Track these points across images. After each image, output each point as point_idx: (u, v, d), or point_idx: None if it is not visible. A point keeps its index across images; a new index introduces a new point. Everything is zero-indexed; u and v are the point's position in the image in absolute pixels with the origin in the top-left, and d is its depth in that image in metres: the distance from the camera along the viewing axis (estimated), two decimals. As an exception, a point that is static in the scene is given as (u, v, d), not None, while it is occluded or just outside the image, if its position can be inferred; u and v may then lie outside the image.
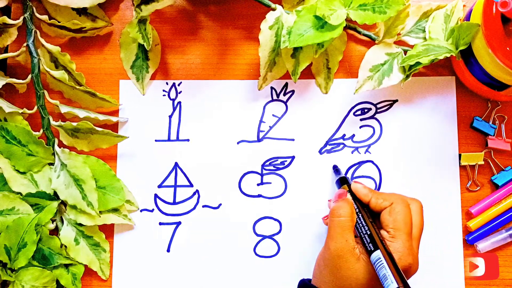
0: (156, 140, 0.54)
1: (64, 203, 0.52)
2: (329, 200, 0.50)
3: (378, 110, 0.53)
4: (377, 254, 0.41)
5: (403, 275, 0.39)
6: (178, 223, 0.53)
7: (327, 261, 0.43)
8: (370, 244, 0.42)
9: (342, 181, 0.49)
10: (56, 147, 0.51)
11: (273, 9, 0.51)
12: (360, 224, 0.44)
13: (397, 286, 0.39)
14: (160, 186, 0.53)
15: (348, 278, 0.42)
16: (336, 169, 0.51)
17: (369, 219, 0.44)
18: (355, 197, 0.46)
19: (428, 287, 0.51)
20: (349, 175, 0.53)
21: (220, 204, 0.53)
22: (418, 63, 0.48)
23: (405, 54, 0.51)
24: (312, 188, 0.53)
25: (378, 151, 0.53)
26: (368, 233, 0.43)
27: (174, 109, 0.54)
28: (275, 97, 0.54)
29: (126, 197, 0.52)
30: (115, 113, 0.54)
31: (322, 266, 0.44)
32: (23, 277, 0.49)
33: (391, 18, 0.49)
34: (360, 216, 0.44)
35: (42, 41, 0.51)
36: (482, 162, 0.52)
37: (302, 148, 0.53)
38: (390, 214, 0.43)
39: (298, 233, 0.52)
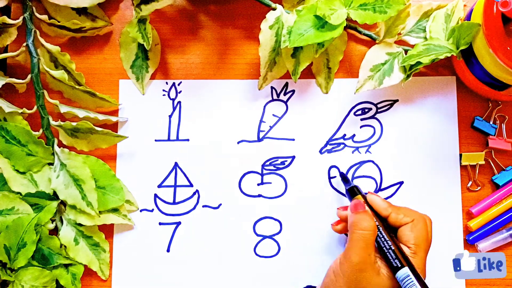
0: (156, 140, 0.54)
1: (63, 203, 0.51)
2: (338, 208, 0.48)
3: (379, 110, 0.53)
4: (405, 272, 0.41)
5: None
6: (178, 223, 0.53)
7: (346, 273, 0.42)
8: (396, 261, 0.42)
9: (352, 191, 0.48)
10: (56, 147, 0.51)
11: (274, 9, 0.51)
12: (382, 239, 0.43)
13: None
14: (160, 186, 0.53)
15: None
16: (344, 178, 0.50)
17: (390, 234, 0.44)
18: (372, 210, 0.45)
19: (429, 286, 0.51)
20: (349, 175, 0.52)
21: (220, 204, 0.53)
22: (418, 63, 0.48)
23: (405, 54, 0.51)
24: (312, 188, 0.52)
25: (379, 151, 0.53)
26: (392, 248, 0.43)
27: (174, 108, 0.54)
28: (275, 97, 0.54)
29: (125, 197, 0.52)
30: (114, 113, 0.54)
31: (340, 277, 0.43)
32: (22, 277, 0.49)
33: (391, 18, 0.49)
34: (380, 230, 0.44)
35: (42, 41, 0.51)
36: (483, 162, 0.52)
37: (303, 148, 0.53)
38: (412, 230, 0.43)
39: (298, 233, 0.52)
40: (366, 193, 0.47)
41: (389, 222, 0.45)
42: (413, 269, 0.41)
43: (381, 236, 0.44)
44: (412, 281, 0.40)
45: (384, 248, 0.43)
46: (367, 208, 0.45)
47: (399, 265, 0.42)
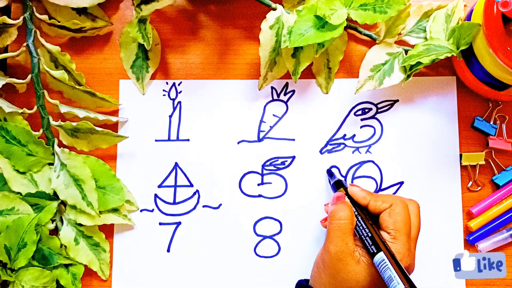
0: (156, 140, 0.54)
1: (64, 203, 0.51)
2: (325, 204, 0.50)
3: (379, 110, 0.53)
4: (381, 256, 0.41)
5: (408, 276, 0.40)
6: (178, 223, 0.53)
7: (327, 263, 0.43)
8: (373, 246, 0.42)
9: (338, 185, 0.49)
10: (56, 147, 0.51)
11: (274, 9, 0.51)
12: (360, 227, 0.44)
13: (404, 287, 0.39)
14: (160, 186, 0.53)
15: (348, 281, 0.42)
16: (330, 173, 0.51)
17: (369, 221, 0.44)
18: (353, 200, 0.46)
19: (429, 286, 0.51)
20: (349, 175, 0.52)
21: (220, 204, 0.53)
22: (419, 63, 0.48)
23: (406, 54, 0.51)
24: (312, 188, 0.52)
25: (379, 151, 0.53)
26: (370, 235, 0.43)
27: (174, 108, 0.54)
28: (275, 97, 0.54)
29: (126, 197, 0.52)
30: (115, 113, 0.54)
31: (321, 269, 0.44)
32: (23, 277, 0.49)
33: (392, 18, 0.49)
34: (359, 219, 0.44)
35: (42, 41, 0.51)
36: (483, 162, 0.52)
37: (303, 148, 0.53)
38: (390, 215, 0.43)
39: (298, 233, 0.52)
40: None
41: (369, 210, 0.45)
42: (390, 253, 0.41)
43: (359, 224, 0.44)
44: (387, 265, 0.40)
45: (362, 236, 0.43)
46: (346, 199, 0.46)
47: (375, 251, 0.41)
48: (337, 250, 0.42)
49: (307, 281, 0.47)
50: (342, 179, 0.50)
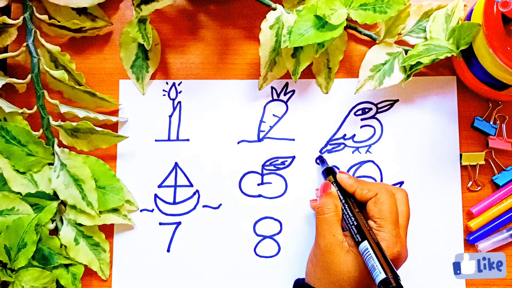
0: (156, 140, 0.54)
1: (64, 203, 0.51)
2: (317, 189, 0.50)
3: (379, 110, 0.53)
4: (365, 245, 0.41)
5: (391, 264, 0.39)
6: (178, 223, 0.53)
7: (318, 257, 0.44)
8: (358, 235, 0.42)
9: (328, 172, 0.49)
10: (56, 147, 0.51)
11: (274, 9, 0.51)
12: (347, 215, 0.44)
13: (385, 276, 0.38)
14: (160, 186, 0.53)
15: (340, 272, 0.42)
16: (321, 160, 0.52)
17: (355, 210, 0.44)
18: (340, 188, 0.46)
19: (429, 286, 0.51)
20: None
21: (220, 204, 0.53)
22: (419, 63, 0.48)
23: (406, 54, 0.51)
24: (312, 188, 0.52)
25: (379, 151, 0.53)
26: (355, 224, 0.43)
27: (174, 108, 0.54)
28: (275, 97, 0.54)
29: (126, 197, 0.52)
30: (115, 113, 0.54)
31: (315, 264, 0.44)
32: (23, 278, 0.49)
33: (392, 18, 0.49)
34: (346, 207, 0.45)
35: (42, 41, 0.51)
36: (483, 162, 0.52)
37: (303, 148, 0.53)
38: (376, 204, 0.44)
39: (298, 233, 0.52)
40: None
41: (356, 198, 0.46)
42: (374, 241, 0.41)
43: (346, 213, 0.44)
44: (370, 254, 0.40)
45: (348, 224, 0.44)
46: (332, 188, 0.46)
47: (360, 240, 0.42)
48: (326, 242, 0.43)
49: (304, 279, 0.47)
50: (332, 165, 0.50)
